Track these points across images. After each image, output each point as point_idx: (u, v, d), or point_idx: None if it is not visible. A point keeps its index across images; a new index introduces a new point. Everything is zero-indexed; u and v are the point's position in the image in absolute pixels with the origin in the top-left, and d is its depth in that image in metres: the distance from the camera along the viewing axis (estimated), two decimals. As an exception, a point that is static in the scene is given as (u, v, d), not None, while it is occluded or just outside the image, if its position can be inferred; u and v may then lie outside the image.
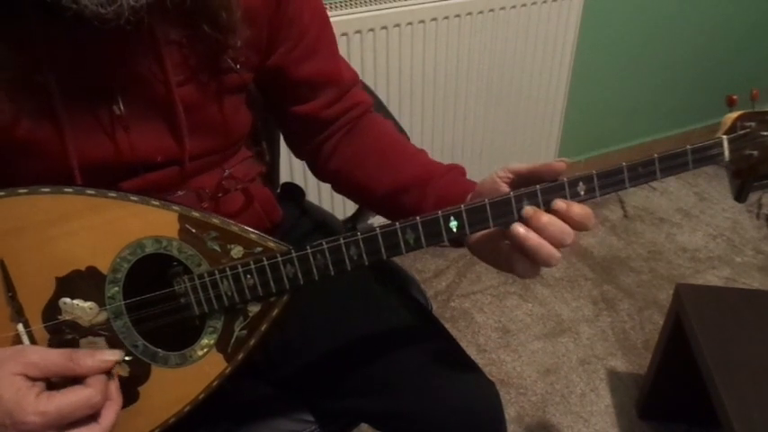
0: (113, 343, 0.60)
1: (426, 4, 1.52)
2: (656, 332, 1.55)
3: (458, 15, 1.58)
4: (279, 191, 1.02)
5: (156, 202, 0.59)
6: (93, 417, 0.54)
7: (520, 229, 0.55)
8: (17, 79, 0.55)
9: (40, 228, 0.57)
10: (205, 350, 0.61)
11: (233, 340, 0.61)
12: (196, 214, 0.59)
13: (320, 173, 0.82)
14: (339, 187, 0.81)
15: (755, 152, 0.58)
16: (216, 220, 0.59)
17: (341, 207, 1.64)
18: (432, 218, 0.57)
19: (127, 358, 0.60)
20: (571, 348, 1.60)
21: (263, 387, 0.80)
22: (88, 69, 0.59)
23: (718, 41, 2.18)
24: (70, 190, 0.57)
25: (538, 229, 0.55)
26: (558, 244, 0.55)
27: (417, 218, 0.57)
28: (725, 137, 0.58)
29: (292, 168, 1.54)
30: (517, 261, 0.57)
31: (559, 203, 0.56)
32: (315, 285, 0.59)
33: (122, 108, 0.61)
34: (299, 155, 0.84)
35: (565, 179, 0.57)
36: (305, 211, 0.97)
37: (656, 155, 0.57)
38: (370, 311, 0.79)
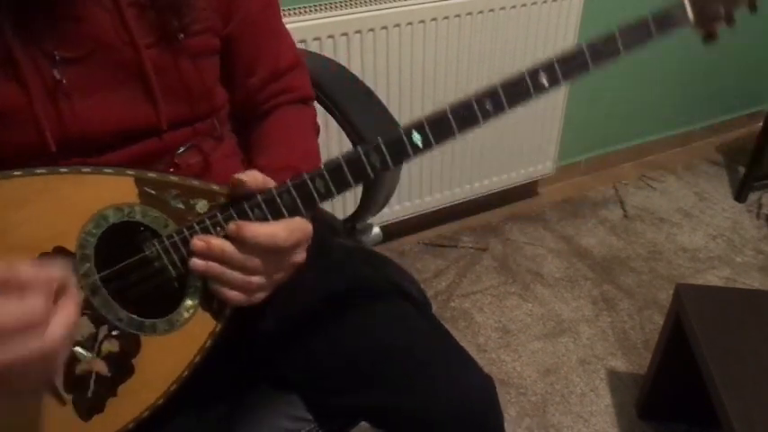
0: (97, 320, 0.59)
1: (426, 4, 1.52)
2: (656, 332, 1.55)
3: (458, 15, 1.58)
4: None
5: (110, 170, 0.58)
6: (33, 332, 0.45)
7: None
8: None
9: None
10: (191, 311, 0.60)
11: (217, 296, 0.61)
12: (152, 175, 0.58)
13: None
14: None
15: (720, 8, 0.55)
16: (174, 178, 0.58)
17: (340, 206, 1.64)
18: (393, 136, 0.56)
19: (114, 333, 0.59)
20: (571, 348, 1.60)
21: (262, 386, 0.80)
22: (42, 32, 0.58)
23: (718, 41, 2.18)
24: (19, 173, 0.55)
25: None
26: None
27: (379, 138, 0.56)
28: None
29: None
30: None
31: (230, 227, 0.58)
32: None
33: (62, 74, 0.59)
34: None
35: (525, 70, 0.56)
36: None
37: (615, 30, 0.55)
38: (368, 310, 0.79)
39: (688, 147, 2.44)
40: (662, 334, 1.31)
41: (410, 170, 1.75)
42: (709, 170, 2.32)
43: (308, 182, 0.57)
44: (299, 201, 0.58)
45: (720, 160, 2.38)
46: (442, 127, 0.56)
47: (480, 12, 1.60)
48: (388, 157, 0.56)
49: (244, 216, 0.58)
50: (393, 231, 1.90)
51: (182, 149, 0.70)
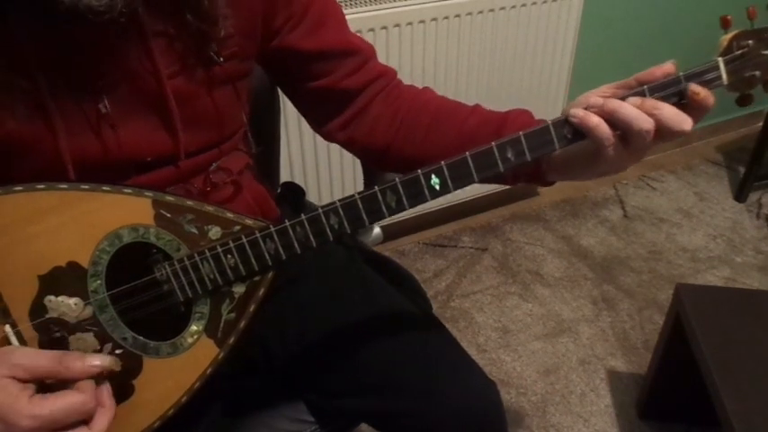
0: (102, 337, 0.59)
1: (426, 4, 1.53)
2: (656, 332, 1.55)
3: (458, 15, 1.58)
4: (279, 190, 1.02)
5: (129, 190, 0.58)
6: (84, 422, 0.53)
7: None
8: (4, 78, 0.55)
9: (15, 227, 0.56)
10: (195, 337, 0.61)
11: (222, 324, 0.61)
12: (170, 198, 0.59)
13: (364, 151, 0.78)
14: (389, 162, 0.77)
15: (757, 72, 0.53)
16: (190, 203, 0.59)
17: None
18: (412, 177, 0.56)
19: (117, 351, 0.59)
20: (571, 348, 1.60)
21: (262, 387, 0.80)
22: (75, 67, 0.58)
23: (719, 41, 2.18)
24: (42, 186, 0.56)
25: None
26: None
27: (396, 179, 0.56)
28: (720, 59, 0.55)
29: (292, 168, 1.54)
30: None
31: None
32: (302, 263, 0.58)
33: (108, 106, 0.60)
34: (329, 135, 0.80)
35: (550, 121, 0.56)
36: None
37: (645, 86, 0.55)
38: (369, 311, 0.79)
39: (688, 147, 2.44)
40: (662, 334, 1.31)
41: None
42: (709, 170, 2.32)
43: (322, 216, 0.57)
44: (311, 235, 0.58)
45: (720, 160, 2.38)
46: (461, 172, 0.56)
47: (480, 12, 1.60)
48: (404, 198, 0.57)
49: (255, 246, 0.58)
50: (393, 231, 1.90)
51: (214, 165, 0.70)
